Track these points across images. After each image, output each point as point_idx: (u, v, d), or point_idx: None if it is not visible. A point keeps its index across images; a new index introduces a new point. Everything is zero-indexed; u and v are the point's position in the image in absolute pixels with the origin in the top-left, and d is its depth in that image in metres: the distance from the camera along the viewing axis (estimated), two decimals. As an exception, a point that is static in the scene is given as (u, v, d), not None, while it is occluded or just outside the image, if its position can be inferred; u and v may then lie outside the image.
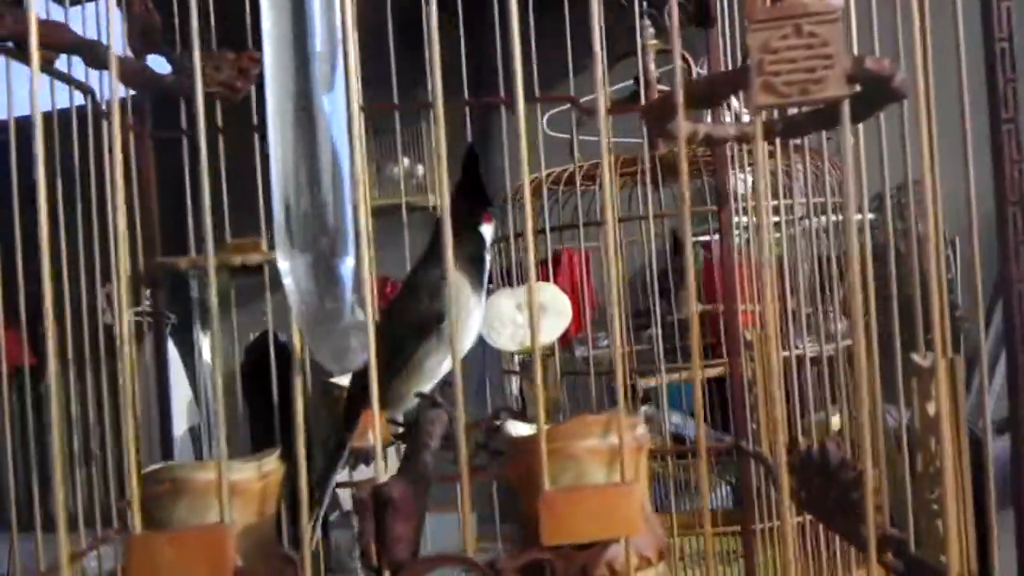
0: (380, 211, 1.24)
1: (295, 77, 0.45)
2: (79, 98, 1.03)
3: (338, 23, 0.46)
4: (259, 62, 1.02)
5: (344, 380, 1.26)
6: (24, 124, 0.92)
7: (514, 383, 1.50)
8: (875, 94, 0.53)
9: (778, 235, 1.12)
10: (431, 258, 0.90)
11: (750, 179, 1.19)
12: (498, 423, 1.50)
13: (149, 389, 1.29)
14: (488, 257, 0.94)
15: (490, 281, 1.47)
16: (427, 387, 0.98)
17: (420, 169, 2.14)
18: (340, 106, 0.45)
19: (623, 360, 1.51)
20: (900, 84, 0.51)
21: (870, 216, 0.82)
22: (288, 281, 0.46)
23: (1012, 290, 0.47)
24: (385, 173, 2.06)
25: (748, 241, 1.10)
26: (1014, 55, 0.47)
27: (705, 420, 1.66)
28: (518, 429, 0.57)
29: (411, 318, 0.92)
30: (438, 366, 0.92)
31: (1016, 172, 0.47)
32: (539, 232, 1.36)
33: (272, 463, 0.52)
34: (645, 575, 0.50)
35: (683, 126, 0.46)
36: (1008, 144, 0.46)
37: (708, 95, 0.53)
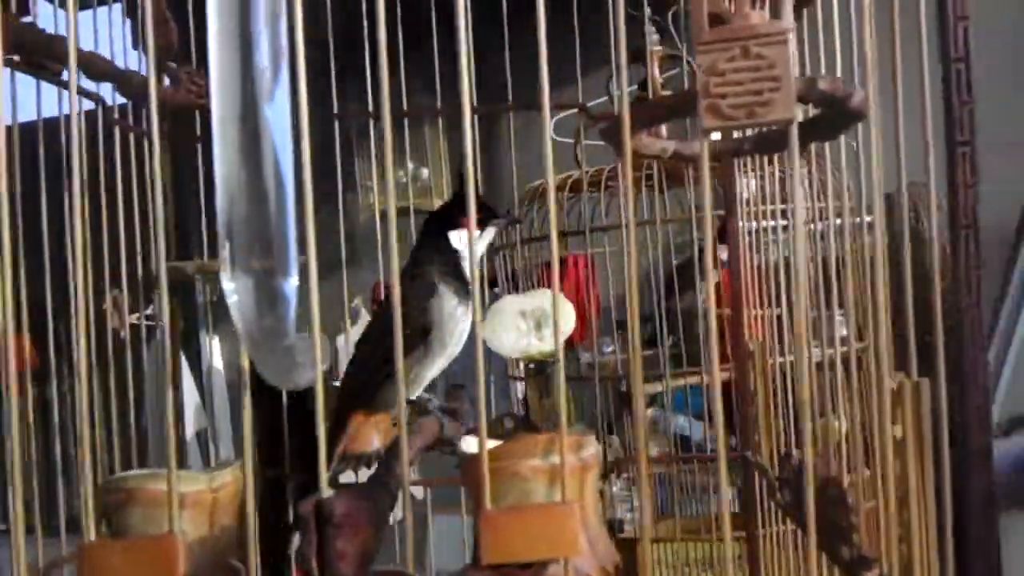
0: (386, 215, 1.25)
1: (239, 91, 0.46)
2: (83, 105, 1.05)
3: (283, 35, 0.46)
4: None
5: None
6: (26, 131, 0.94)
7: (519, 388, 1.50)
8: (835, 115, 0.52)
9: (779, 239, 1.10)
10: (411, 269, 0.91)
11: (751, 184, 1.18)
12: (502, 430, 1.50)
13: (160, 393, 1.31)
14: (465, 264, 0.93)
15: (494, 286, 1.47)
16: (416, 393, 0.99)
17: (424, 172, 2.14)
18: (283, 120, 0.46)
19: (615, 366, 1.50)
20: (858, 104, 0.50)
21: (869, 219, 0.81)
22: (232, 300, 0.46)
23: (964, 316, 0.46)
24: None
25: (750, 246, 1.09)
26: (971, 77, 0.45)
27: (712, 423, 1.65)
28: (470, 446, 0.57)
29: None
30: (427, 373, 0.94)
31: (969, 196, 0.46)
32: (544, 238, 1.37)
33: (226, 476, 0.53)
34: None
35: (628, 143, 0.46)
36: (962, 168, 0.45)
37: (658, 116, 0.53)
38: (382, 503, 0.61)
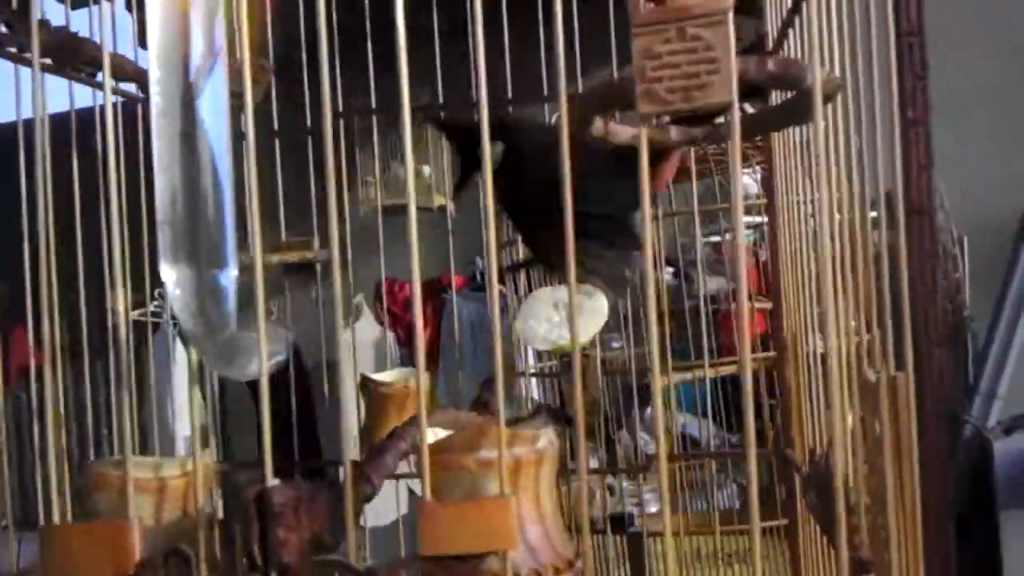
0: (386, 211, 1.25)
1: (176, 86, 0.46)
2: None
3: (218, 33, 0.47)
4: (268, 71, 1.05)
5: (382, 376, 1.29)
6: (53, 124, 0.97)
7: (532, 384, 1.50)
8: (801, 99, 0.50)
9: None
10: None
11: (751, 180, 1.14)
12: (540, 422, 1.50)
13: (164, 389, 1.35)
14: None
15: (500, 282, 1.46)
16: None
17: (427, 170, 2.12)
18: (217, 113, 0.47)
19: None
20: (825, 87, 0.48)
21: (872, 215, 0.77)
22: (175, 292, 0.47)
23: (919, 306, 0.43)
24: (391, 173, 2.05)
25: (756, 241, 1.06)
26: (924, 51, 0.43)
27: (716, 420, 1.61)
28: (432, 436, 0.57)
29: None
30: None
31: (924, 179, 0.43)
32: None
33: (174, 467, 0.54)
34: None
35: (567, 140, 0.45)
36: (916, 149, 0.43)
37: (600, 104, 0.51)
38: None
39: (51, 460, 0.52)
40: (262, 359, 0.48)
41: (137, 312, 1.30)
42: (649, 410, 1.41)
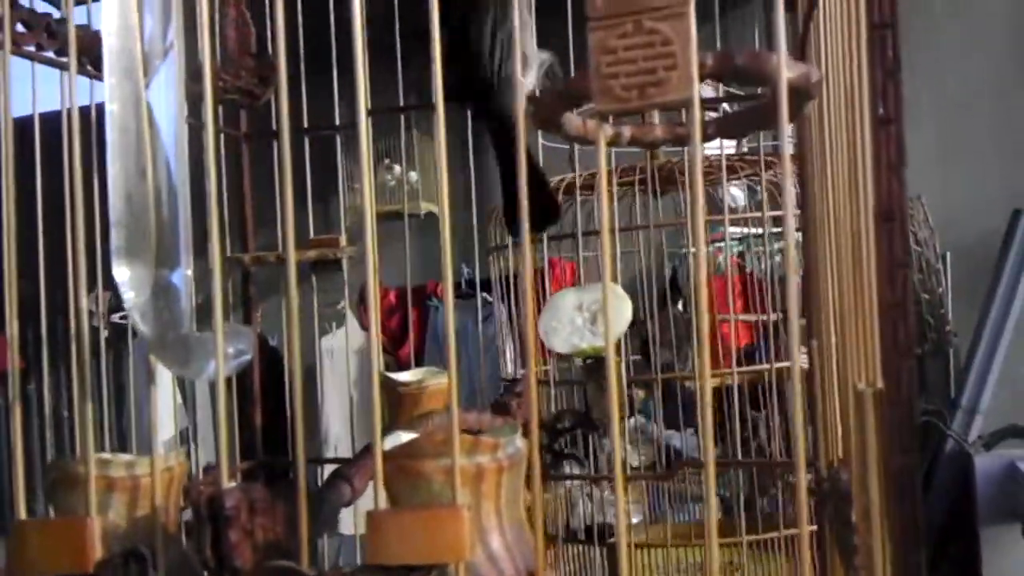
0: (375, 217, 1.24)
1: (129, 87, 0.46)
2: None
3: (172, 32, 0.46)
4: (276, 70, 1.05)
5: (401, 375, 1.29)
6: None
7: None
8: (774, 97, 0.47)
9: (771, 248, 1.03)
10: None
11: (739, 192, 1.10)
12: (560, 426, 1.47)
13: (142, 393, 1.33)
14: None
15: (486, 290, 1.42)
16: None
17: (413, 176, 2.11)
18: (170, 111, 0.46)
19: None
20: (799, 82, 0.45)
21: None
22: (128, 293, 0.47)
23: (886, 315, 0.41)
24: (378, 180, 2.03)
25: (741, 254, 1.03)
26: (897, 44, 0.40)
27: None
28: (398, 440, 0.56)
29: None
30: None
31: (895, 183, 0.40)
32: (537, 241, 1.34)
33: (144, 466, 0.54)
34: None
35: (523, 140, 0.43)
36: (886, 148, 0.40)
37: (562, 102, 0.49)
38: (327, 499, 0.60)
39: (17, 457, 0.52)
40: (219, 359, 0.48)
41: (118, 315, 1.31)
42: (632, 421, 1.39)
